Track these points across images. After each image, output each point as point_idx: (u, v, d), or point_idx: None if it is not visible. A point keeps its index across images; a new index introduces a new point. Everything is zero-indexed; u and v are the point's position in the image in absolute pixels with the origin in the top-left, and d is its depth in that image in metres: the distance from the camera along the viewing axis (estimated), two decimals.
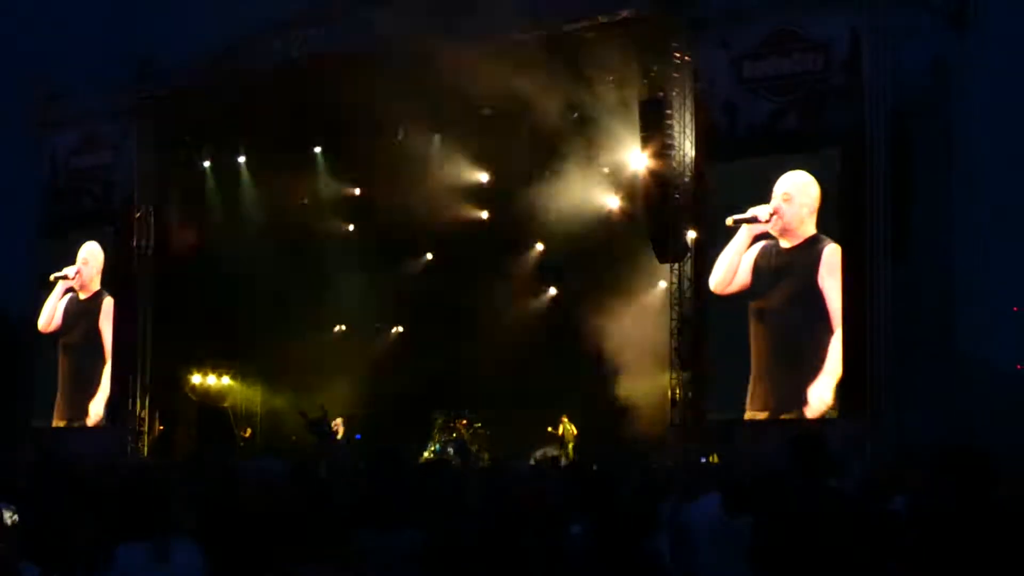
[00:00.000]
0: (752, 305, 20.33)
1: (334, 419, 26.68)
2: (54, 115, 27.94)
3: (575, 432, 25.14)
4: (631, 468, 17.11)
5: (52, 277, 27.47)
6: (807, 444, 5.66)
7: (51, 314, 27.48)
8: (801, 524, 5.04)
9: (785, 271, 20.09)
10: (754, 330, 20.23)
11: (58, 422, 26.81)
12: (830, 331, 19.49)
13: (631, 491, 8.61)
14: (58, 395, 27.08)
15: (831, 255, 19.72)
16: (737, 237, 20.42)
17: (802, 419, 19.35)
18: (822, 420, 19.05)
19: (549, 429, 25.30)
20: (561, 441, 25.07)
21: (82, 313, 27.18)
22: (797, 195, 20.04)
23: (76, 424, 26.61)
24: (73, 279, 27.42)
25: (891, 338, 18.86)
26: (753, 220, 20.28)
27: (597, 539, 5.59)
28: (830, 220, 19.80)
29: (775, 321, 20.11)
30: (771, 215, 20.12)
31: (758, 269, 20.30)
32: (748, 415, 20.03)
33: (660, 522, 7.72)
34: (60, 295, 27.43)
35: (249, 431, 28.39)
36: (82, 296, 27.33)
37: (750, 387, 20.06)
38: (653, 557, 5.72)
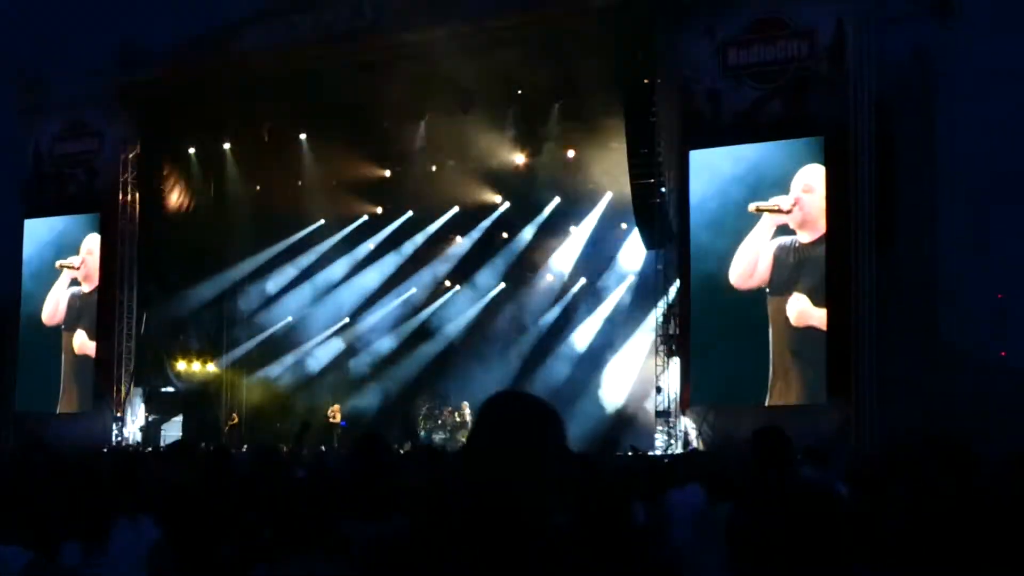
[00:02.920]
0: (771, 298, 20.13)
1: (331, 407, 26.64)
2: (38, 101, 27.76)
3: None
4: (616, 454, 17.22)
5: (58, 264, 27.33)
6: (768, 438, 5.71)
7: (54, 306, 27.34)
8: (770, 513, 5.08)
9: (805, 266, 19.90)
10: (773, 323, 20.04)
11: (65, 410, 26.63)
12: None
13: (615, 477, 8.64)
14: (62, 386, 26.91)
15: None
16: (758, 229, 20.18)
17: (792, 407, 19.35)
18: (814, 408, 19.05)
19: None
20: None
21: (86, 305, 27.05)
22: (819, 187, 19.89)
23: (74, 412, 26.49)
24: (78, 269, 27.27)
25: (875, 327, 18.91)
26: (776, 210, 20.11)
27: (581, 524, 5.62)
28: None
29: (795, 314, 19.94)
30: (792, 206, 20.04)
31: (778, 263, 20.08)
32: (768, 403, 19.87)
33: (645, 508, 7.76)
34: (65, 286, 27.28)
35: (236, 418, 28.32)
36: (86, 288, 27.18)
37: (770, 379, 19.88)
38: (637, 542, 5.75)
